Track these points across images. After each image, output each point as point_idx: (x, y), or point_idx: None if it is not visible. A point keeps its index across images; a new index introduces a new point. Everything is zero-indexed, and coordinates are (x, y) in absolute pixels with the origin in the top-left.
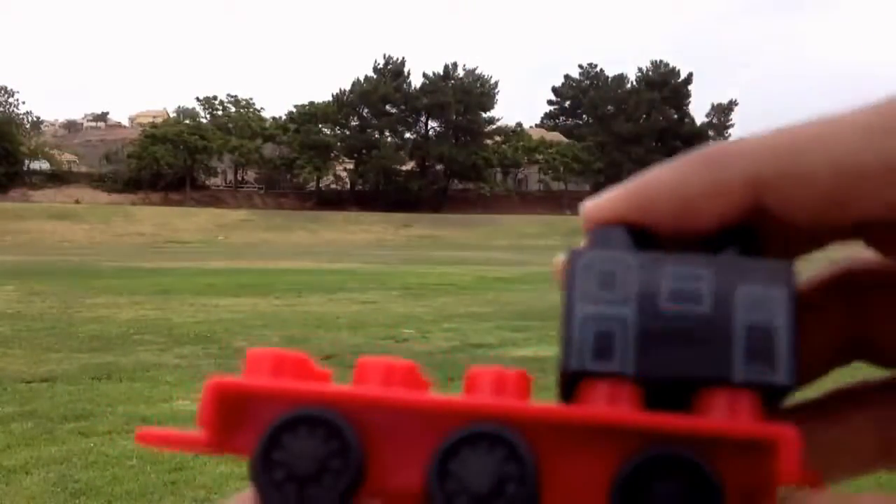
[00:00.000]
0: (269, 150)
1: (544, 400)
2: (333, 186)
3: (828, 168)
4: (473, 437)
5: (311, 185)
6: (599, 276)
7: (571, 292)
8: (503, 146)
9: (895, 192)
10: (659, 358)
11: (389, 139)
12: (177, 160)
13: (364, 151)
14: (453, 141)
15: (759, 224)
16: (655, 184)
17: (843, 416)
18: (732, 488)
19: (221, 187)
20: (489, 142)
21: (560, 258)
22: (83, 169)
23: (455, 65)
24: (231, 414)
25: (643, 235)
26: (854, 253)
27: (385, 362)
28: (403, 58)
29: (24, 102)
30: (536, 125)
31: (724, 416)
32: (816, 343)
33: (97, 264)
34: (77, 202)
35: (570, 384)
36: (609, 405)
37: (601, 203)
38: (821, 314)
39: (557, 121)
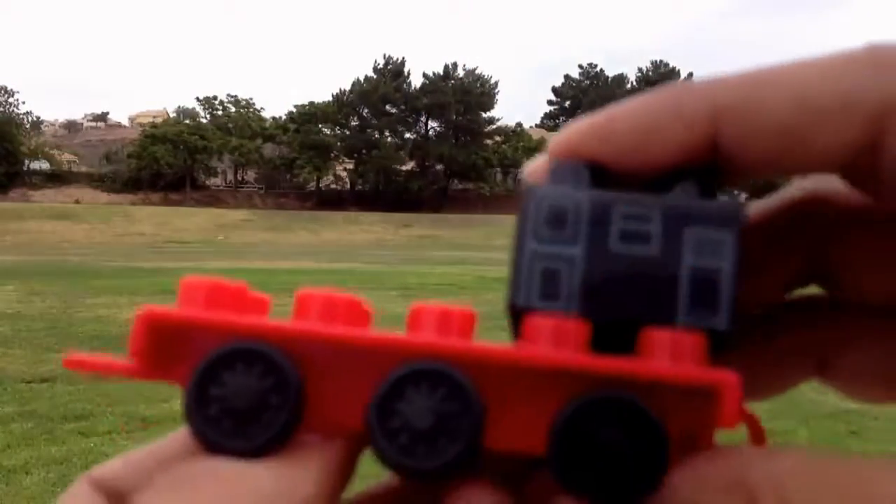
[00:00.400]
0: (269, 150)
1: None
2: (333, 186)
3: (787, 101)
4: (416, 375)
5: (311, 185)
6: (551, 214)
7: (523, 228)
8: (503, 146)
9: (850, 132)
10: (605, 299)
11: (389, 139)
12: (177, 160)
13: (364, 151)
14: (453, 141)
15: (715, 167)
16: (618, 115)
17: (784, 333)
18: (673, 431)
19: (221, 187)
20: (489, 142)
21: (528, 168)
22: (83, 169)
23: (455, 65)
24: (165, 344)
25: (602, 174)
26: (821, 180)
27: (326, 295)
28: (403, 58)
29: (24, 102)
30: (536, 125)
31: (668, 359)
32: (777, 266)
33: (97, 264)
34: (77, 202)
35: (517, 319)
36: (553, 346)
37: (564, 135)
38: (783, 237)
39: (557, 121)
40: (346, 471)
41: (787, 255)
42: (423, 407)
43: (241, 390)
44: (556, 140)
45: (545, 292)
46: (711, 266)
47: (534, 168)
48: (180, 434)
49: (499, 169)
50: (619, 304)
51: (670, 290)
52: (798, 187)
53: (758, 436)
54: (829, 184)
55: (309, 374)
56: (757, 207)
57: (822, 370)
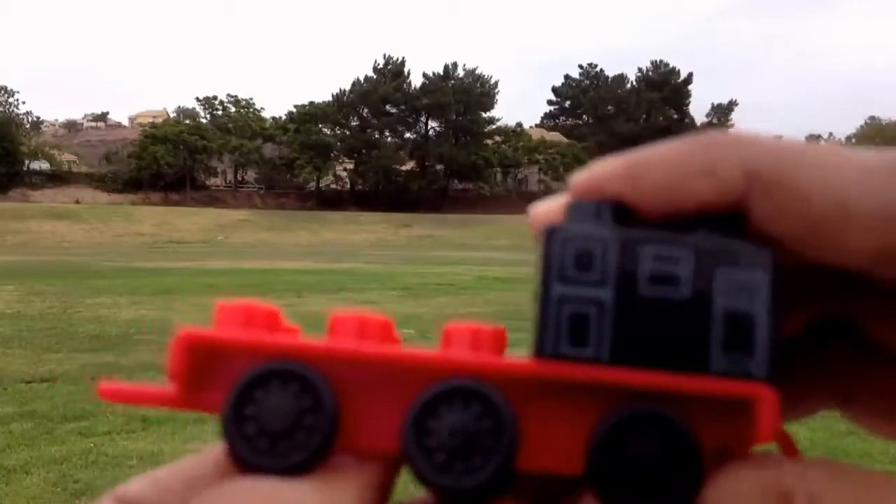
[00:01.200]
0: (269, 150)
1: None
2: (333, 186)
3: (825, 195)
4: (450, 393)
5: (311, 185)
6: (577, 255)
7: (548, 270)
8: (503, 146)
9: (882, 239)
10: (636, 345)
11: (389, 139)
12: (177, 160)
13: (364, 151)
14: (453, 141)
15: (738, 214)
16: (650, 160)
17: (810, 364)
18: (709, 445)
19: (221, 187)
20: (489, 142)
21: (538, 209)
22: (83, 169)
23: (455, 65)
24: (201, 367)
25: (622, 214)
26: None
27: (359, 317)
28: (403, 58)
29: (24, 102)
30: (536, 125)
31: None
32: (803, 304)
33: (97, 264)
34: (77, 202)
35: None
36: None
37: (593, 174)
38: (812, 276)
39: (557, 121)
40: (383, 491)
41: (814, 294)
42: (457, 424)
43: (278, 410)
44: (581, 178)
45: (574, 338)
46: (745, 309)
47: (547, 208)
48: (208, 454)
49: (499, 169)
50: (650, 350)
51: (703, 337)
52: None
53: (790, 451)
54: None
55: (344, 394)
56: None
57: (845, 404)
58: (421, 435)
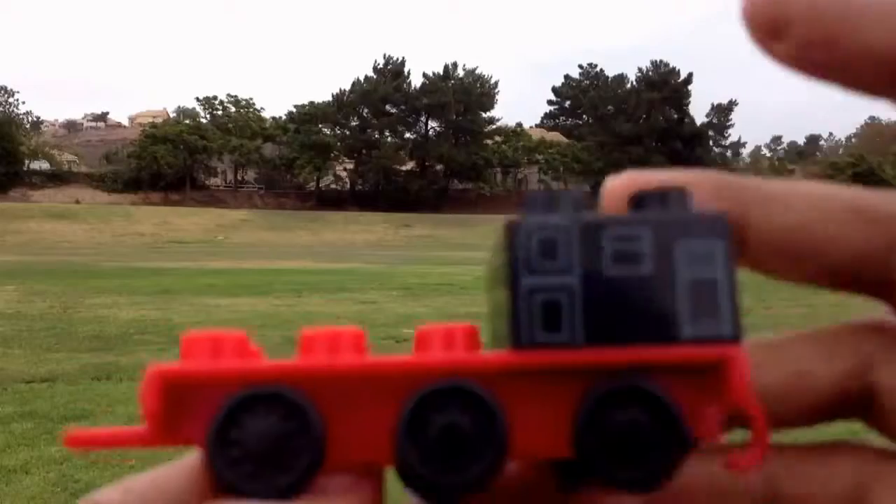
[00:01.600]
0: (269, 150)
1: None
2: (333, 186)
3: (805, 199)
4: (436, 394)
5: (311, 185)
6: (540, 245)
7: (515, 263)
8: (503, 146)
9: (865, 235)
10: (608, 324)
11: (389, 139)
12: (177, 160)
13: (364, 151)
14: (453, 141)
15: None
16: (663, 174)
17: (824, 459)
18: (688, 411)
19: (221, 187)
20: (489, 142)
21: (614, 182)
22: (83, 169)
23: (455, 65)
24: (175, 403)
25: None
26: (882, 314)
27: (330, 331)
28: (403, 58)
29: (24, 102)
30: (536, 125)
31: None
32: (816, 387)
33: (97, 264)
34: (77, 202)
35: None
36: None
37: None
38: (828, 359)
39: (557, 121)
40: None
41: (826, 374)
42: (448, 423)
43: (263, 433)
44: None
45: (548, 325)
46: (707, 276)
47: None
48: (181, 466)
49: (499, 169)
50: (622, 327)
51: (670, 306)
52: (855, 317)
53: (758, 434)
54: (888, 315)
55: (328, 411)
56: (806, 331)
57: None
58: (414, 438)
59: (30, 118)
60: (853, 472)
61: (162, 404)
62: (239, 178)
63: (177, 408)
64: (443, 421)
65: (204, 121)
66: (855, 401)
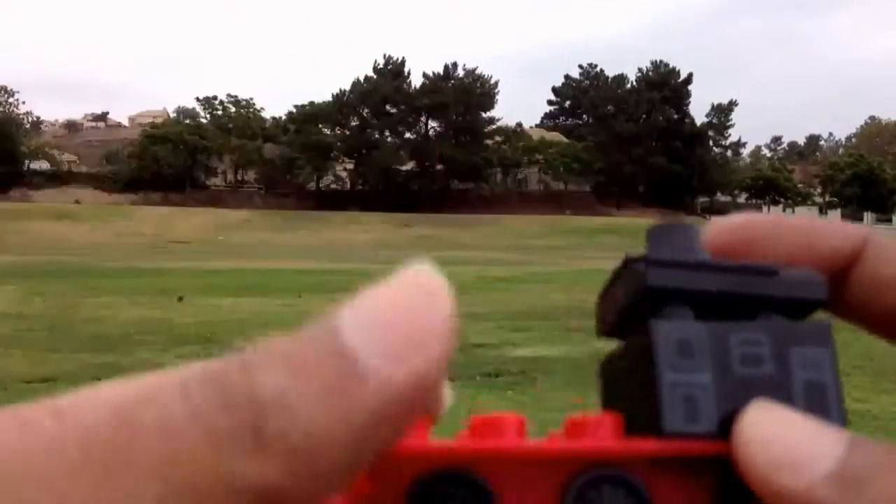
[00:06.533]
0: (269, 150)
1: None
2: (333, 186)
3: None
4: (597, 479)
5: (311, 185)
6: (679, 346)
7: (657, 360)
8: (503, 146)
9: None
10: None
11: (389, 139)
12: (177, 160)
13: (364, 151)
14: (453, 141)
15: (793, 301)
16: (782, 220)
17: None
18: None
19: (221, 187)
20: (489, 142)
21: (721, 226)
22: (83, 169)
23: (455, 65)
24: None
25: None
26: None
27: (499, 418)
28: (403, 58)
29: (24, 102)
30: (536, 125)
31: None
32: None
33: (97, 264)
34: (77, 202)
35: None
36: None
37: (717, 234)
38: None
39: (557, 121)
40: None
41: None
42: None
43: None
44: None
45: (688, 417)
46: (817, 379)
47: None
48: None
49: (499, 169)
50: None
51: (789, 403)
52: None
53: None
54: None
55: (500, 491)
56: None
57: None
58: None
59: (30, 118)
60: None
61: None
62: (239, 178)
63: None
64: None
65: (204, 121)
66: None
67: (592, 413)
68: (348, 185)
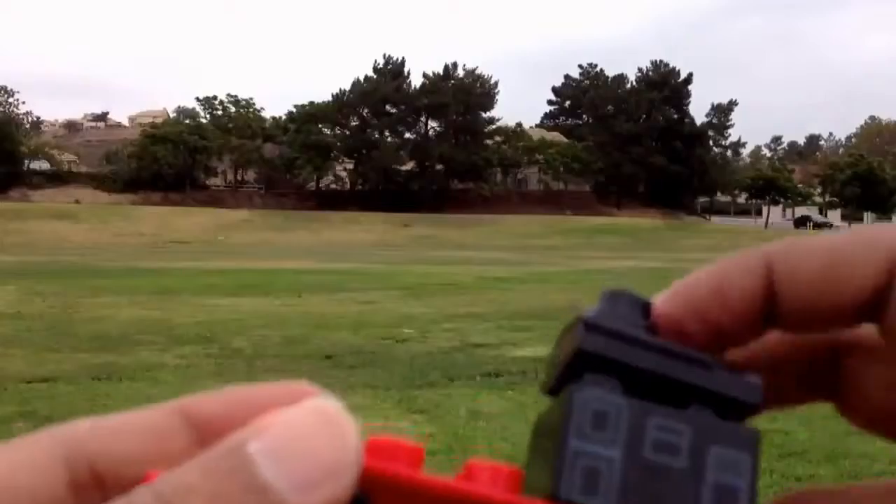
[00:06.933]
0: (269, 150)
1: None
2: (333, 186)
3: (822, 252)
4: None
5: (311, 185)
6: (594, 416)
7: (566, 424)
8: (503, 146)
9: (870, 275)
10: (638, 500)
11: (389, 139)
12: (177, 160)
13: (364, 151)
14: (453, 141)
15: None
16: (692, 277)
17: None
18: None
19: (221, 187)
20: (489, 142)
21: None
22: (83, 169)
23: (455, 65)
24: None
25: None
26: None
27: (395, 443)
28: (403, 58)
29: (24, 102)
30: (536, 125)
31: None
32: (789, 378)
33: (97, 264)
34: (77, 202)
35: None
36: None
37: (663, 303)
38: (803, 355)
39: (557, 121)
40: None
41: (801, 374)
42: None
43: None
44: (657, 311)
45: (586, 488)
46: (732, 483)
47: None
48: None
49: (499, 169)
50: None
51: (695, 501)
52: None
53: None
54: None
55: None
56: (779, 336)
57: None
58: None
59: (30, 118)
60: None
61: None
62: (239, 178)
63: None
64: None
65: (204, 121)
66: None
67: (497, 463)
68: (348, 185)
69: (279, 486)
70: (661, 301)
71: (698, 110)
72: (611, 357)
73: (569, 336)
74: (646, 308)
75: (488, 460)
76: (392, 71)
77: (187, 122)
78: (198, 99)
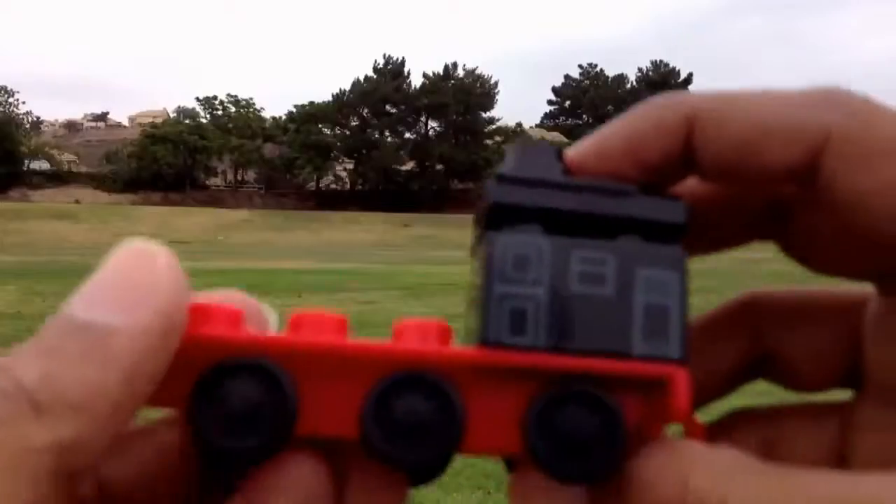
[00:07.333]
0: (269, 150)
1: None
2: (333, 186)
3: (748, 119)
4: (404, 380)
5: (311, 185)
6: (515, 259)
7: (490, 272)
8: (503, 146)
9: (795, 151)
10: (567, 334)
11: (389, 139)
12: (177, 160)
13: (364, 151)
14: (453, 141)
15: (655, 221)
16: (606, 130)
17: (732, 433)
18: (631, 420)
19: (221, 187)
20: (489, 142)
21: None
22: (83, 169)
23: (455, 65)
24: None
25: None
26: (757, 288)
27: (317, 314)
28: (403, 58)
29: (24, 102)
30: (536, 125)
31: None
32: (724, 364)
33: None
34: (77, 202)
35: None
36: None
37: (575, 153)
38: (728, 338)
39: (557, 121)
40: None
41: (731, 353)
42: (412, 409)
43: (243, 398)
44: (573, 156)
45: (514, 329)
46: (661, 303)
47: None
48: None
49: None
50: (580, 338)
51: (626, 325)
52: (737, 295)
53: (696, 432)
54: (764, 289)
55: (304, 385)
56: (702, 315)
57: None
58: (379, 418)
59: (30, 118)
60: (838, 426)
61: None
62: (239, 178)
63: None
64: (406, 406)
65: (204, 121)
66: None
67: (425, 318)
68: (348, 185)
69: (96, 319)
70: (576, 150)
71: None
72: (527, 205)
73: (483, 195)
74: (560, 155)
75: (416, 318)
76: (392, 71)
77: (187, 122)
78: (198, 99)
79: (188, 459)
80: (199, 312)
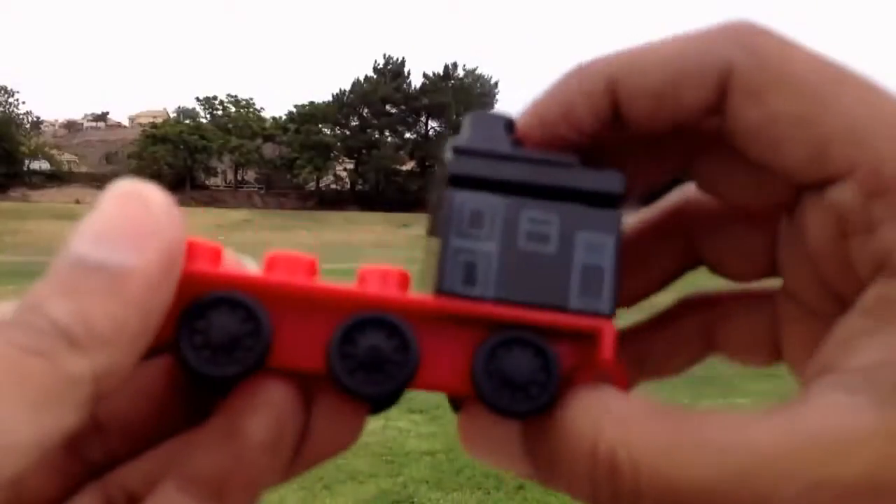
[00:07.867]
0: (269, 150)
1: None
2: (333, 186)
3: (660, 67)
4: (367, 321)
5: (311, 185)
6: (471, 215)
7: (448, 226)
8: None
9: (703, 91)
10: (514, 286)
11: (389, 139)
12: (177, 160)
13: (364, 151)
14: None
15: (599, 191)
16: (542, 98)
17: (677, 319)
18: (566, 366)
19: (221, 187)
20: None
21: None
22: (83, 169)
23: (455, 65)
24: None
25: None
26: (687, 189)
27: (292, 255)
28: (403, 58)
29: (24, 102)
30: None
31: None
32: (659, 260)
33: None
34: (77, 202)
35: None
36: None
37: (522, 123)
38: (662, 236)
39: None
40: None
41: (666, 252)
42: (372, 346)
43: (223, 328)
44: (521, 126)
45: (465, 280)
46: (597, 264)
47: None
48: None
49: None
50: (524, 291)
51: (565, 282)
52: (671, 197)
53: (621, 382)
54: (696, 191)
55: (279, 321)
56: (640, 214)
57: (711, 347)
58: (343, 353)
59: (30, 118)
60: (771, 314)
61: None
62: (239, 178)
63: None
64: (367, 344)
65: (204, 121)
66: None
67: (388, 266)
68: (348, 185)
69: (109, 258)
70: (520, 121)
71: None
72: (481, 176)
73: (440, 167)
74: (510, 124)
75: (379, 265)
76: (392, 71)
77: (187, 122)
78: (198, 99)
79: (174, 385)
80: (186, 248)
